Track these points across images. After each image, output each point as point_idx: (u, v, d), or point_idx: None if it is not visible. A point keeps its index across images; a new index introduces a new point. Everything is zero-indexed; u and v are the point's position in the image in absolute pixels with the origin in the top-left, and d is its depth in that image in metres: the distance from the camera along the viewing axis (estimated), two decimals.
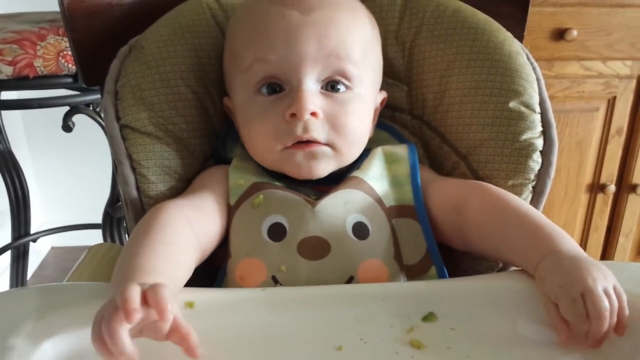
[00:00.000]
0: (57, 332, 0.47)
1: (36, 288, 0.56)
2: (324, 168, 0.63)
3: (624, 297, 0.48)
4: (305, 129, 0.60)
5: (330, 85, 0.62)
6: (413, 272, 0.61)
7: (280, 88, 0.61)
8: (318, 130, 0.61)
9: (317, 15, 0.60)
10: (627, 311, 0.47)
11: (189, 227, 0.57)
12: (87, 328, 0.44)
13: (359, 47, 0.63)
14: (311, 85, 0.60)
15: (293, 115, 0.59)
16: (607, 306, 0.46)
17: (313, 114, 0.60)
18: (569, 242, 0.53)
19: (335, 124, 0.61)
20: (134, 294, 0.42)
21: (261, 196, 0.62)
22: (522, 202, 0.62)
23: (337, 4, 0.62)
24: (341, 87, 0.62)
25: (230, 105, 0.68)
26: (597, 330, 0.47)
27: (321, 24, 0.60)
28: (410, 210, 0.64)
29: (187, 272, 0.54)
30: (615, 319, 0.47)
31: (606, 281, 0.48)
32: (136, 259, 0.50)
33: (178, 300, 0.51)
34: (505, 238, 0.58)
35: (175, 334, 0.44)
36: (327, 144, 0.62)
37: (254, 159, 0.65)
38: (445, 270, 0.62)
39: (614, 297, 0.47)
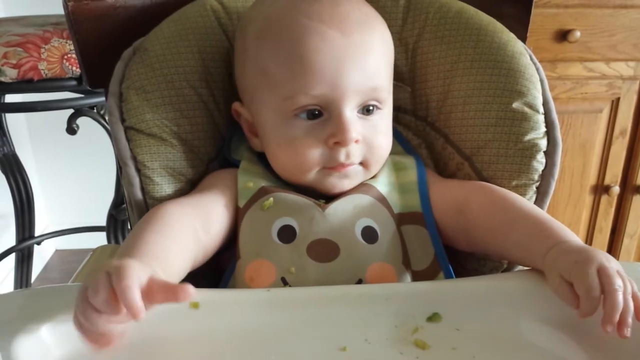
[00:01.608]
0: (62, 333, 0.47)
1: (41, 289, 0.56)
2: (354, 184, 0.64)
3: (634, 285, 0.48)
4: (348, 156, 0.61)
5: (366, 109, 0.62)
6: (421, 278, 0.61)
7: (319, 112, 0.61)
8: (357, 154, 0.62)
9: (356, 39, 0.60)
10: None
11: (188, 223, 0.58)
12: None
13: (388, 70, 0.64)
14: (350, 113, 0.61)
15: (337, 143, 0.60)
16: (620, 284, 0.47)
17: (356, 141, 0.61)
18: (575, 237, 0.54)
19: (371, 145, 0.62)
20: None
21: (271, 199, 0.62)
22: (525, 200, 0.63)
23: (369, 23, 0.62)
24: (374, 110, 0.63)
25: (242, 111, 0.67)
26: (611, 308, 0.46)
27: (361, 50, 0.60)
28: (417, 216, 0.64)
29: (180, 260, 0.54)
30: (631, 302, 0.47)
31: (617, 266, 0.49)
32: (126, 249, 0.51)
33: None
34: (510, 234, 0.58)
35: (156, 293, 0.43)
36: (361, 163, 0.63)
37: (281, 176, 0.65)
38: (454, 276, 0.62)
39: (627, 280, 0.48)
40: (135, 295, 0.42)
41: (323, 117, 0.61)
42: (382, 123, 0.64)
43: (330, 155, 0.61)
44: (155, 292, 0.43)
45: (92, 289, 0.43)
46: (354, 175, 0.64)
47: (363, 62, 0.60)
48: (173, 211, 0.58)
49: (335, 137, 0.60)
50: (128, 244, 0.52)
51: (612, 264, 0.48)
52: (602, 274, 0.47)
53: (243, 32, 0.66)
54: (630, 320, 0.46)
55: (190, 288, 0.43)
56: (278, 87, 0.61)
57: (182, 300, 0.43)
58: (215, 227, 0.61)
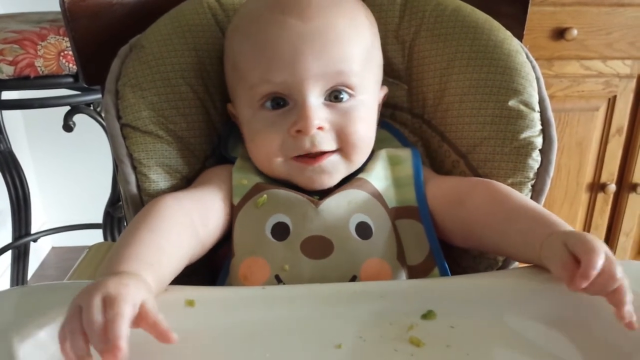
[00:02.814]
0: (58, 330, 0.47)
1: (37, 286, 0.56)
2: (335, 178, 0.64)
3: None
4: (313, 143, 0.61)
5: (334, 96, 0.62)
6: (416, 273, 0.61)
7: (284, 102, 0.61)
8: (326, 141, 0.61)
9: (317, 25, 0.60)
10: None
11: (185, 217, 0.58)
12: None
13: (359, 56, 0.63)
14: (315, 100, 0.60)
15: (299, 131, 0.60)
16: (621, 274, 0.46)
17: (319, 128, 0.60)
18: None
19: (343, 133, 0.62)
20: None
21: (265, 196, 0.62)
22: (525, 197, 0.64)
23: (336, 9, 0.62)
24: (344, 96, 0.62)
25: (234, 112, 0.68)
26: (607, 283, 0.46)
27: (322, 36, 0.60)
28: (412, 211, 0.64)
29: (175, 258, 0.54)
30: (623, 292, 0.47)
31: None
32: (120, 248, 0.51)
33: (178, 298, 0.51)
34: (509, 226, 0.58)
35: (143, 322, 0.44)
36: (337, 151, 0.62)
37: (262, 171, 0.65)
38: (449, 271, 0.62)
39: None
40: (122, 340, 0.41)
41: (288, 106, 0.61)
42: (359, 112, 0.63)
43: (294, 144, 0.61)
44: (143, 320, 0.44)
45: (86, 314, 0.42)
46: (333, 169, 0.63)
47: (325, 47, 0.60)
48: (170, 204, 0.58)
49: (297, 125, 0.60)
50: (123, 242, 0.52)
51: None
52: (608, 259, 0.47)
53: (226, 34, 0.68)
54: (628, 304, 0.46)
55: (173, 337, 0.43)
56: (245, 78, 0.62)
57: (160, 341, 0.43)
58: (213, 221, 0.61)
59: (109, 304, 0.42)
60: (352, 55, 0.62)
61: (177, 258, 0.55)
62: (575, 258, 0.48)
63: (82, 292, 0.44)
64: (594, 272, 0.46)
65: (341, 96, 0.62)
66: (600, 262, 0.46)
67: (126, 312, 0.42)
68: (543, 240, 0.52)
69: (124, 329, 0.41)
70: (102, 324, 0.41)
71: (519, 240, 0.57)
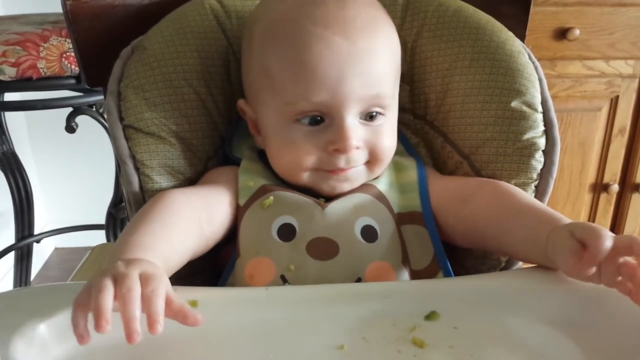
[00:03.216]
0: (61, 331, 0.47)
1: (40, 287, 0.56)
2: (354, 185, 0.64)
3: None
4: (348, 161, 0.61)
5: (369, 116, 0.62)
6: (420, 278, 0.61)
7: (320, 118, 0.61)
8: (358, 159, 0.62)
9: (361, 45, 0.59)
10: None
11: (192, 212, 0.58)
12: (91, 327, 0.44)
13: (391, 77, 0.63)
14: (352, 120, 0.60)
15: (336, 150, 0.60)
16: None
17: (357, 147, 0.61)
18: None
19: (374, 149, 0.63)
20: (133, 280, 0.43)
21: (271, 197, 0.62)
22: (531, 196, 0.64)
23: (377, 26, 0.62)
24: (377, 116, 0.62)
25: (246, 109, 0.67)
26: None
27: (365, 59, 0.59)
28: (417, 216, 0.65)
29: (181, 254, 0.55)
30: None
31: None
32: (130, 236, 0.51)
33: (181, 299, 0.51)
34: (514, 221, 0.58)
35: (167, 309, 0.44)
36: (364, 163, 0.63)
37: (279, 175, 0.65)
38: (453, 275, 0.62)
39: None
40: (162, 316, 0.42)
41: (324, 123, 0.61)
42: (386, 126, 0.63)
43: (328, 160, 0.61)
44: (167, 307, 0.44)
45: (127, 283, 0.42)
46: (355, 178, 0.64)
47: (367, 69, 0.59)
48: (178, 198, 0.59)
49: (335, 144, 0.60)
50: (133, 230, 0.53)
51: None
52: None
53: (250, 31, 0.65)
54: None
55: (199, 317, 0.44)
56: (280, 90, 0.61)
57: (187, 324, 0.44)
58: (218, 219, 0.62)
59: (147, 279, 0.43)
60: (386, 76, 0.62)
61: (182, 253, 0.55)
62: (583, 244, 0.48)
63: (113, 267, 0.44)
64: (606, 245, 0.46)
65: (374, 116, 0.62)
66: (608, 243, 0.46)
67: (162, 292, 0.43)
68: (549, 234, 0.52)
69: (162, 305, 0.42)
70: (140, 296, 0.42)
71: (522, 236, 0.57)
